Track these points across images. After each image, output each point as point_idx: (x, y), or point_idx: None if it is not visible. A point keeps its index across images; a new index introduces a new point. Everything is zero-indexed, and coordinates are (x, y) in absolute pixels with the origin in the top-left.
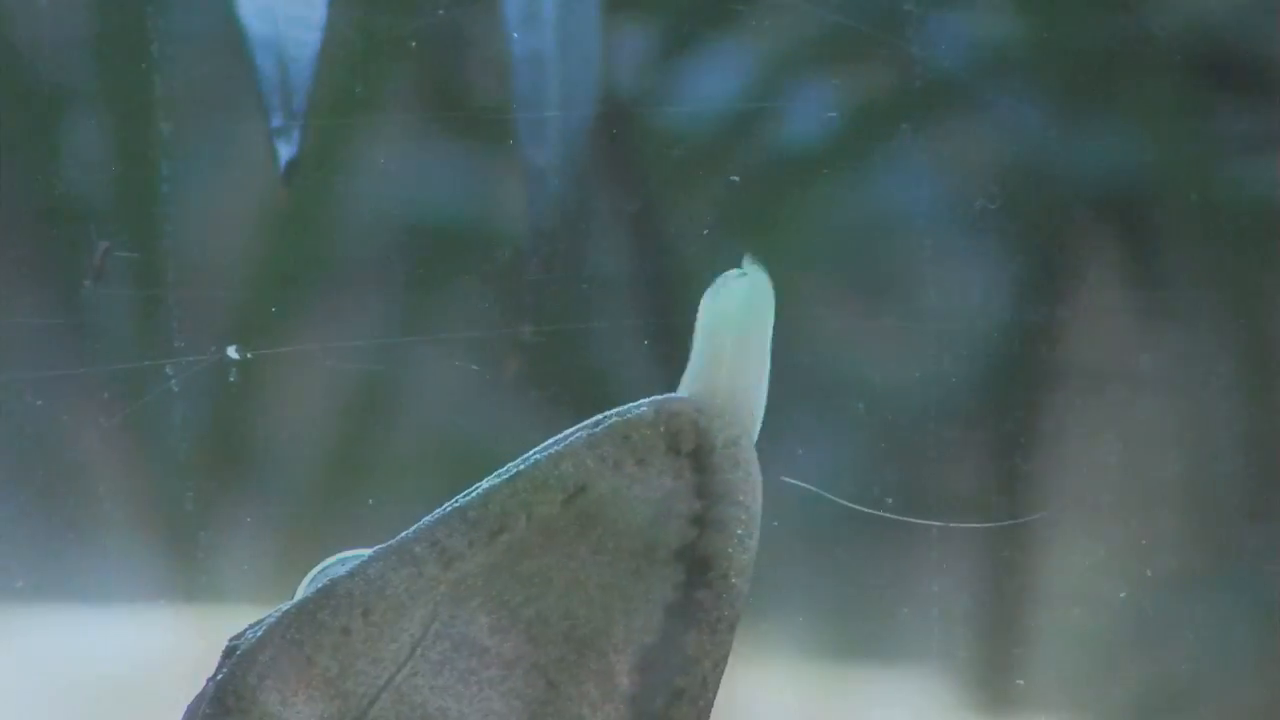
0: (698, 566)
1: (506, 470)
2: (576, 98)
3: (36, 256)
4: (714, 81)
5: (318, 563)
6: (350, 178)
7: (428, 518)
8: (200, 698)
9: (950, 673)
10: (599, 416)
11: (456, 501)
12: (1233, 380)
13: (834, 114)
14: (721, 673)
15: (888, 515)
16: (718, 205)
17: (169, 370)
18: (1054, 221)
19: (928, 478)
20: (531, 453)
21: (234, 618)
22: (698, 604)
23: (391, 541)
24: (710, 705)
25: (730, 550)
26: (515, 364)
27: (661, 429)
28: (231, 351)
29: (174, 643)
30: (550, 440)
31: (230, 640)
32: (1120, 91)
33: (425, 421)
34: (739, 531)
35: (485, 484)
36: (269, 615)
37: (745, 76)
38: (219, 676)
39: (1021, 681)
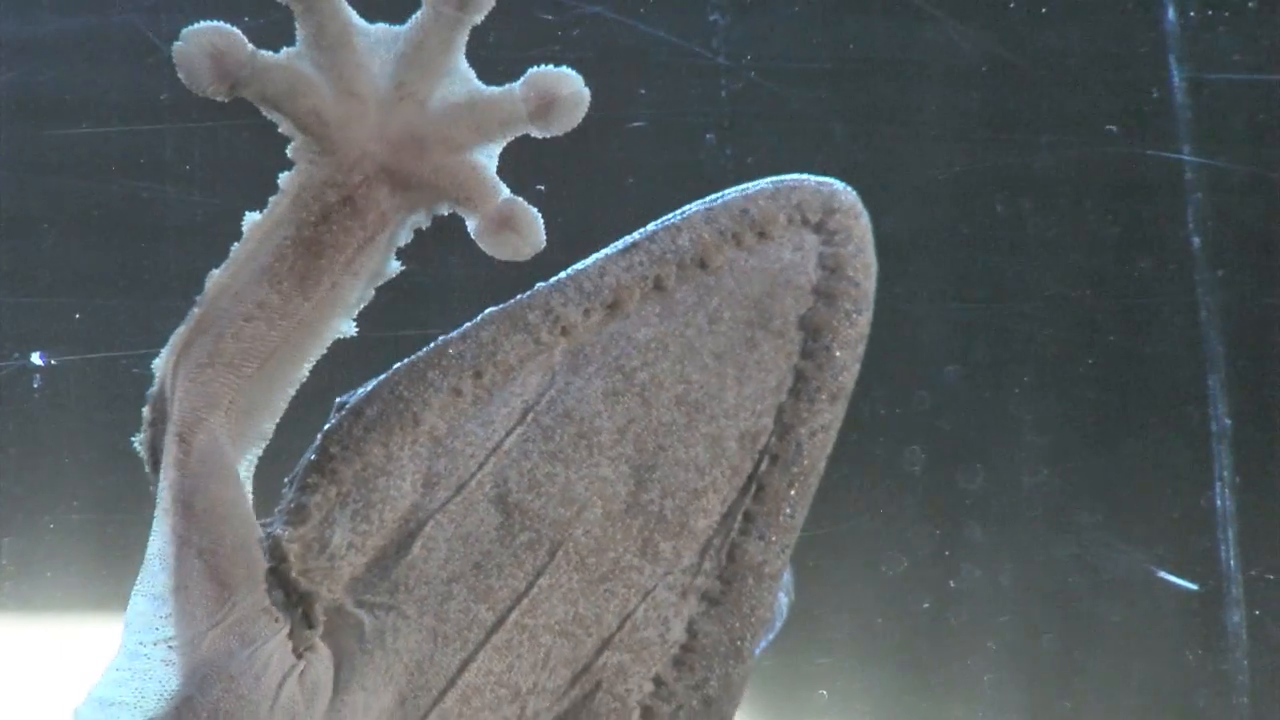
0: (808, 336)
1: (623, 243)
2: None
3: None
4: None
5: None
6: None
7: (541, 285)
8: (310, 450)
9: (753, 682)
10: (717, 194)
11: (572, 271)
12: (1037, 391)
13: (640, 123)
14: (821, 445)
15: None
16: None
17: None
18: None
19: None
20: (649, 226)
21: (39, 625)
22: (799, 373)
23: (503, 306)
24: (806, 475)
25: (835, 323)
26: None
27: (783, 202)
28: (36, 358)
29: None
30: (667, 216)
31: (341, 397)
32: (928, 103)
33: None
34: (847, 306)
35: (601, 255)
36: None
37: None
38: (326, 427)
39: (824, 691)
